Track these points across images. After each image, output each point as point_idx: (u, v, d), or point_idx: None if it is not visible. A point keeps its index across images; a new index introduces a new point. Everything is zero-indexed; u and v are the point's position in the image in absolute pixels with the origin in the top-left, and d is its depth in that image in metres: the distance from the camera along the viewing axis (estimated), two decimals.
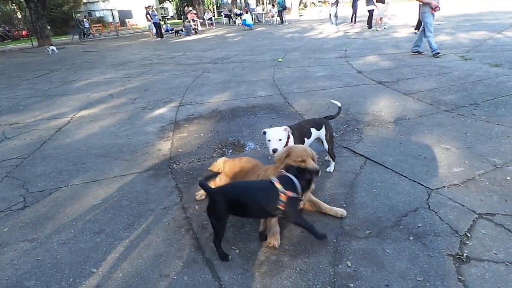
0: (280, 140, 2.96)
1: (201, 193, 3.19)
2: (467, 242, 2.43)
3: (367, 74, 7.50)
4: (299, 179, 2.38)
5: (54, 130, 5.33)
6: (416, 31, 13.38)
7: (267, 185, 2.35)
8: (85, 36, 27.01)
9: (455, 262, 2.26)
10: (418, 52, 9.18)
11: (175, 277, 2.31)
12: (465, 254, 2.32)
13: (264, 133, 3.05)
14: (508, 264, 2.22)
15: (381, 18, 16.39)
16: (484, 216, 2.68)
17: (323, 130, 3.39)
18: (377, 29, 16.14)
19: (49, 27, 26.46)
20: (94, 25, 30.62)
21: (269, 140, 2.96)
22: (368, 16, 16.77)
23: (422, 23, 8.84)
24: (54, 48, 16.90)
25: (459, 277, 2.15)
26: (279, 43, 14.05)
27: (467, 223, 2.61)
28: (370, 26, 16.79)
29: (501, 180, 3.14)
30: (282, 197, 2.28)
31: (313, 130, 3.32)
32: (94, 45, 20.02)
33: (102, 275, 2.37)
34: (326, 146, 3.45)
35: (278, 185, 2.31)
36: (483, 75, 6.64)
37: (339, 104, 3.69)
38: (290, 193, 2.30)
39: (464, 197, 2.93)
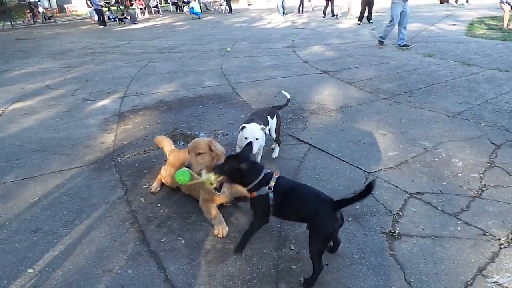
0: (257, 139, 2.87)
1: (155, 185, 3.13)
2: (399, 220, 2.63)
3: (313, 64, 7.71)
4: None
5: None
6: (359, 22, 13.93)
7: None
8: (46, 20, 25.26)
9: (388, 239, 2.45)
10: (406, 45, 8.91)
11: (119, 272, 2.27)
12: (397, 231, 2.51)
13: (243, 128, 2.92)
14: (434, 238, 2.44)
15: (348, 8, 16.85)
16: (414, 195, 2.91)
17: (275, 119, 3.43)
18: (338, 17, 16.77)
19: None
20: (28, 11, 28.25)
21: (245, 138, 2.85)
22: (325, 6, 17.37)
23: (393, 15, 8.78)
24: None
25: (391, 252, 2.33)
26: (227, 33, 13.94)
27: (400, 202, 2.83)
28: (325, 16, 17.37)
29: (430, 161, 3.42)
30: None
31: (269, 118, 3.32)
32: (29, 32, 18.55)
33: (40, 275, 2.26)
34: (273, 134, 3.50)
35: None
36: (418, 65, 7.10)
37: (289, 96, 3.74)
38: None
39: (397, 178, 3.16)
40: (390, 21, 8.97)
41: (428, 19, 13.95)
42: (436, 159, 3.44)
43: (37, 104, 5.81)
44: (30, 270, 2.31)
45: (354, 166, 3.41)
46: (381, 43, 9.17)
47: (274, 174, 2.17)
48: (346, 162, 3.50)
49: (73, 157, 3.88)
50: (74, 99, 5.96)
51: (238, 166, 2.11)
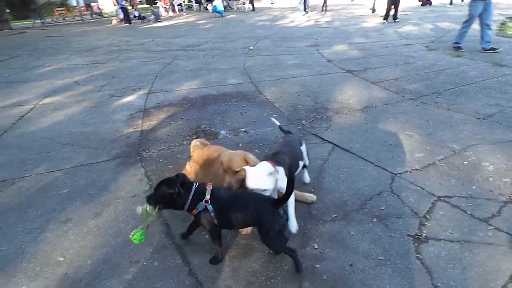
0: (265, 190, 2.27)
1: None
2: (426, 223, 2.57)
3: (337, 63, 7.63)
4: None
5: (16, 118, 5.11)
6: (385, 21, 13.69)
7: None
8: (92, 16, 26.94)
9: (414, 242, 2.40)
10: (493, 48, 7.74)
11: (145, 263, 2.32)
12: (423, 234, 2.46)
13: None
14: (462, 242, 2.38)
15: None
16: (442, 198, 2.84)
17: (304, 145, 2.93)
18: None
19: (8, 11, 24.97)
20: (57, 9, 29.11)
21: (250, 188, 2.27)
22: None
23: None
24: None
25: (418, 255, 2.29)
26: (250, 31, 13.97)
27: (427, 205, 2.77)
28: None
29: (459, 164, 3.33)
30: None
31: (301, 148, 2.83)
32: (58, 30, 19.12)
33: (70, 263, 2.34)
34: (306, 161, 2.98)
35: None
36: (446, 65, 6.92)
37: (278, 123, 3.29)
38: None
39: (424, 181, 3.09)
40: (465, 22, 7.91)
41: (457, 18, 13.56)
42: (466, 162, 3.35)
43: (66, 99, 5.98)
44: (61, 258, 2.39)
45: (379, 167, 3.36)
46: (458, 48, 8.12)
47: (206, 187, 2.19)
48: (371, 162, 3.45)
49: (100, 151, 3.98)
50: (101, 95, 6.11)
51: (169, 192, 2.11)
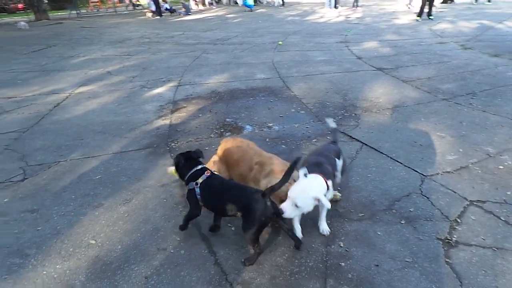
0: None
1: None
2: (457, 227, 2.51)
3: (367, 60, 7.49)
4: None
5: (52, 105, 5.32)
6: (419, 18, 13.29)
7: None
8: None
9: (443, 246, 2.34)
10: None
11: (172, 251, 2.38)
12: (454, 239, 2.40)
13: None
14: (495, 249, 2.30)
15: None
16: (475, 203, 2.76)
17: (341, 159, 2.67)
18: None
19: (46, 1, 25.90)
20: (92, 1, 29.96)
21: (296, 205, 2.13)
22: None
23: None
24: (24, 23, 16.58)
25: (447, 259, 2.23)
26: (279, 26, 13.90)
27: (458, 209, 2.69)
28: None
29: (494, 169, 3.21)
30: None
31: (337, 161, 2.60)
32: (92, 21, 19.67)
33: (101, 246, 2.43)
34: (339, 177, 2.71)
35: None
36: (482, 65, 6.66)
37: (334, 125, 2.98)
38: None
39: (456, 184, 3.00)
40: None
41: (495, 16, 13.01)
42: (501, 167, 3.23)
43: (99, 88, 6.17)
44: (92, 241, 2.48)
45: (409, 167, 3.29)
46: None
47: (206, 172, 2.38)
48: (400, 163, 3.38)
49: (131, 140, 4.09)
50: (133, 86, 6.26)
51: (176, 160, 2.46)
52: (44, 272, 2.24)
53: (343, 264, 2.23)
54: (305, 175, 2.18)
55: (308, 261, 2.27)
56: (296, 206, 2.11)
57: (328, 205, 2.11)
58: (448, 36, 9.94)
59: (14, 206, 2.90)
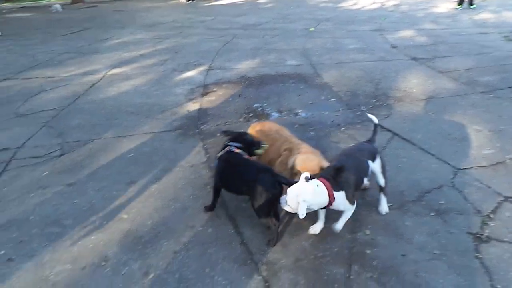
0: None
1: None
2: (489, 223, 2.43)
3: (402, 49, 7.25)
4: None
5: (87, 86, 5.50)
6: (460, 6, 12.69)
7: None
8: None
9: (474, 240, 2.29)
10: None
11: (200, 229, 2.45)
12: (485, 234, 2.34)
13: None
14: None
15: None
16: (510, 199, 2.66)
17: (378, 161, 2.46)
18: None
19: None
20: None
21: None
22: None
23: None
24: (59, 6, 16.95)
25: (477, 254, 2.18)
26: (311, 12, 13.64)
27: (492, 204, 2.61)
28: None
29: None
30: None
31: (369, 163, 2.38)
32: (125, 5, 19.99)
33: (133, 221, 2.53)
34: (380, 181, 2.49)
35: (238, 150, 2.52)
36: None
37: (376, 120, 2.76)
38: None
39: (491, 179, 2.90)
40: None
41: None
42: None
43: (132, 71, 6.31)
44: (125, 216, 2.59)
45: (441, 160, 3.20)
46: None
47: (228, 147, 2.50)
48: (433, 155, 3.29)
49: (162, 121, 4.19)
50: (164, 69, 6.36)
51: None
52: (80, 242, 2.37)
53: (368, 251, 2.23)
54: (306, 179, 2.04)
55: (333, 246, 2.28)
56: (286, 203, 2.05)
57: (301, 214, 1.93)
58: (490, 26, 9.45)
59: (53, 180, 3.06)
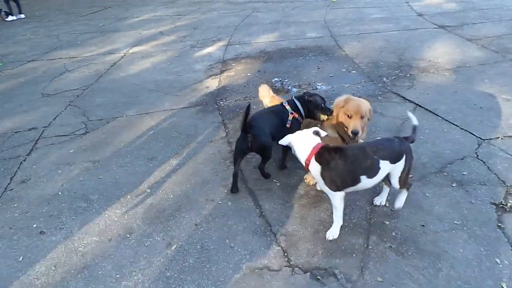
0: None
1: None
2: None
3: (428, 18, 6.93)
4: (302, 105, 2.63)
5: (109, 65, 5.60)
6: None
7: (281, 108, 2.66)
8: None
9: (497, 211, 2.24)
10: None
11: (220, 202, 2.51)
12: (509, 204, 2.28)
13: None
14: None
15: None
16: None
17: (401, 163, 2.07)
18: None
19: None
20: None
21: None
22: None
23: None
24: None
25: (499, 224, 2.14)
26: None
27: None
28: None
29: None
30: (290, 117, 2.60)
31: (383, 163, 2.02)
32: None
33: (155, 195, 2.62)
34: (395, 185, 2.15)
35: (287, 107, 2.64)
36: None
37: (416, 122, 2.25)
38: (296, 114, 2.62)
39: None
40: None
41: None
42: None
43: (152, 48, 6.35)
44: (148, 190, 2.68)
45: (465, 130, 3.10)
46: None
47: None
48: (457, 125, 3.19)
49: (182, 98, 4.23)
50: (183, 45, 6.36)
51: None
52: (106, 215, 2.48)
53: (387, 222, 2.23)
54: (315, 132, 2.17)
55: (352, 217, 2.29)
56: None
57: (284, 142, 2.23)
58: None
59: (79, 157, 3.18)
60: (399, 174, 2.08)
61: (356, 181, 2.02)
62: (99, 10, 10.75)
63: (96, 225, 2.40)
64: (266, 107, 3.07)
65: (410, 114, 2.29)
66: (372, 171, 2.00)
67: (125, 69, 5.36)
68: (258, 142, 2.45)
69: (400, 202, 2.24)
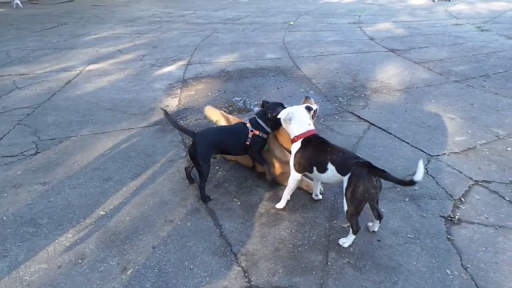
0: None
1: None
2: (460, 206, 2.52)
3: (379, 41, 7.35)
4: (265, 122, 2.73)
5: (63, 82, 5.38)
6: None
7: (241, 126, 2.76)
8: None
9: (446, 223, 2.37)
10: None
11: (179, 223, 2.45)
12: (457, 217, 2.42)
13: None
14: (498, 227, 2.32)
15: None
16: (480, 183, 2.76)
17: (346, 178, 2.09)
18: None
19: None
20: None
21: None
22: None
23: None
24: (19, 2, 16.27)
25: (449, 236, 2.26)
26: (291, 6, 13.65)
27: (463, 188, 2.70)
28: None
29: (502, 150, 3.19)
30: (250, 134, 2.70)
31: (330, 166, 2.17)
32: None
33: (110, 217, 2.51)
34: (345, 205, 2.10)
35: (248, 124, 2.73)
36: (498, 47, 6.48)
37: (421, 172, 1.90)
38: (257, 132, 2.71)
39: (462, 164, 2.99)
40: None
41: None
42: (509, 148, 3.20)
43: (110, 66, 6.20)
44: (102, 212, 2.57)
45: (415, 147, 3.28)
46: None
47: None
48: (408, 143, 3.37)
49: (140, 117, 4.14)
50: (142, 64, 6.28)
51: None
52: (56, 241, 2.33)
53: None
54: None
55: (312, 235, 2.32)
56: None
57: (283, 115, 2.44)
58: (465, 17, 9.66)
59: (27, 178, 3.00)
60: (344, 191, 2.07)
61: (310, 170, 2.31)
62: (54, 26, 10.38)
63: (44, 251, 2.25)
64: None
65: (420, 165, 1.89)
66: (322, 167, 2.23)
67: (80, 87, 5.18)
68: (194, 150, 2.56)
69: (345, 239, 2.22)
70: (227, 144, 2.72)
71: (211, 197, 2.68)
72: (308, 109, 2.47)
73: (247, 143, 2.71)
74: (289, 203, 2.61)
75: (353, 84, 4.98)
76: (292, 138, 2.43)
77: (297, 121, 2.40)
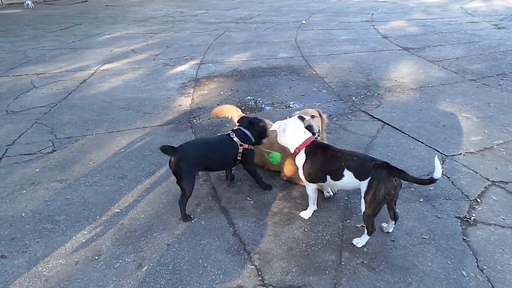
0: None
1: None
2: (476, 207, 2.48)
3: (393, 40, 7.28)
4: (252, 132, 2.67)
5: (79, 82, 5.48)
6: None
7: (228, 140, 2.61)
8: None
9: (462, 224, 2.34)
10: None
11: (193, 221, 2.47)
12: (472, 218, 2.38)
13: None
14: None
15: None
16: (497, 183, 2.71)
17: (365, 183, 2.05)
18: None
19: None
20: None
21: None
22: None
23: None
24: (30, 2, 16.52)
25: (464, 237, 2.23)
26: (303, 4, 13.60)
27: (479, 189, 2.66)
28: None
29: None
30: (240, 149, 2.59)
31: (347, 173, 2.13)
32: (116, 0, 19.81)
33: (126, 215, 2.55)
34: (362, 206, 2.09)
35: (235, 139, 2.61)
36: None
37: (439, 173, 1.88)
38: (246, 145, 2.62)
39: (479, 164, 2.95)
40: None
41: None
42: None
43: (124, 66, 6.28)
44: (118, 210, 2.61)
45: (430, 147, 3.24)
46: None
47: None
48: (422, 143, 3.34)
49: (154, 116, 4.19)
50: (156, 64, 6.34)
51: None
52: (73, 237, 2.38)
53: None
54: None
55: (325, 234, 2.32)
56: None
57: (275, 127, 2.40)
58: (481, 15, 9.49)
59: (45, 176, 3.07)
60: (363, 195, 2.06)
61: (324, 179, 2.25)
62: (69, 27, 10.56)
63: (62, 247, 2.30)
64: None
65: (437, 162, 1.90)
66: (336, 175, 2.18)
67: (95, 87, 5.26)
68: (177, 167, 2.37)
69: (359, 239, 2.22)
70: (213, 160, 2.53)
71: (191, 216, 2.49)
72: (301, 119, 2.44)
73: (238, 158, 2.60)
74: (302, 203, 2.61)
75: (366, 83, 4.94)
76: (293, 151, 2.36)
77: (292, 131, 2.34)
